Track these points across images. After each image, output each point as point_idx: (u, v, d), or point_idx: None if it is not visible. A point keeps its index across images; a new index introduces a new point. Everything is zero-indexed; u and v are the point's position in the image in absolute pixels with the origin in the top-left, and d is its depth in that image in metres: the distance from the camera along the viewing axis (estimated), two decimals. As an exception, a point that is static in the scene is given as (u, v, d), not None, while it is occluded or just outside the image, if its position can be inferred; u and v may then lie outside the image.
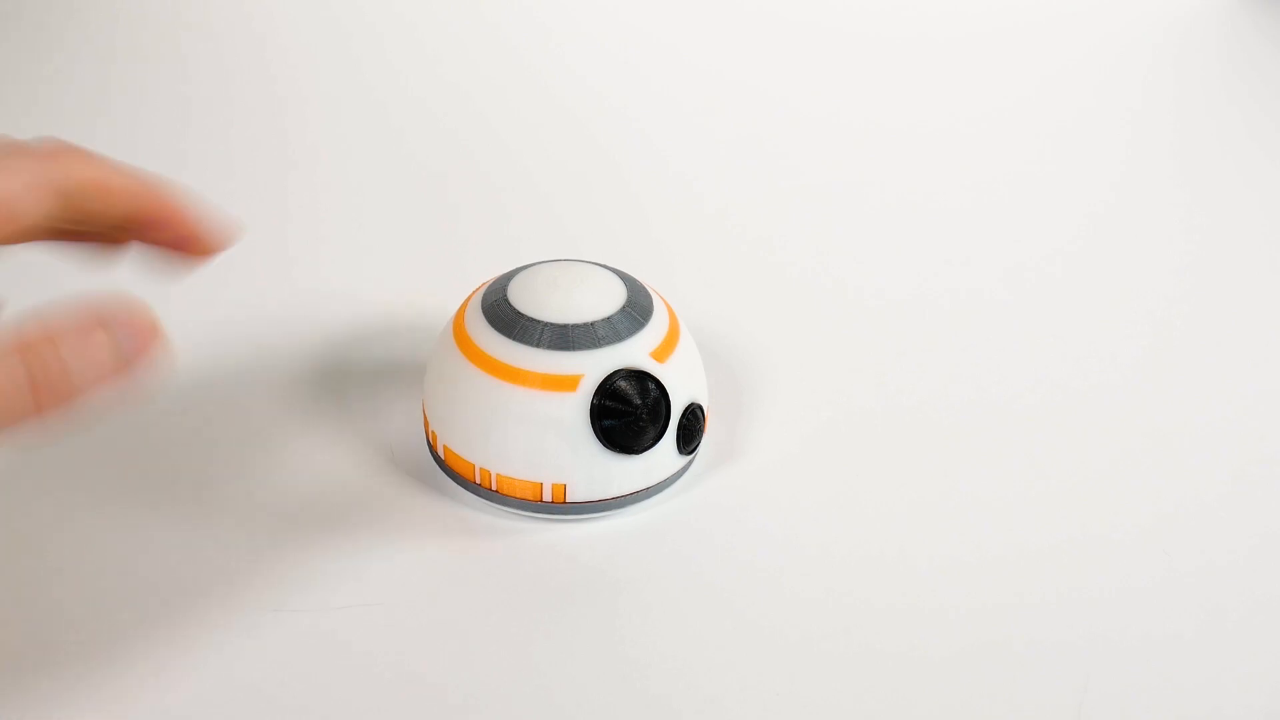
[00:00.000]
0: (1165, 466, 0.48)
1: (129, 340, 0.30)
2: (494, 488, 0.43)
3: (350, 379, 0.51)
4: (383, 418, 0.49)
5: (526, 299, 0.43)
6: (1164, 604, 0.42)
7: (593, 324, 0.43)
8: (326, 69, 0.81)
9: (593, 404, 0.42)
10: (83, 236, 0.35)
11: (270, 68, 0.81)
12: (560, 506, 0.43)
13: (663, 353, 0.43)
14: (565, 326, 0.42)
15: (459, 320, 0.45)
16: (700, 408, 0.44)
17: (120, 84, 0.78)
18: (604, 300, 0.44)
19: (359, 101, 0.77)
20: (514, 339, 0.42)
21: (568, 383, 0.42)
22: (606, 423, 0.42)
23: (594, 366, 0.42)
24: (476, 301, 0.45)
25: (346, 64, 0.82)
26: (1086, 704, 0.38)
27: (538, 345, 0.42)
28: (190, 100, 0.76)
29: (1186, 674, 0.39)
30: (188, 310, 0.56)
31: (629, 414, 0.42)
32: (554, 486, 0.43)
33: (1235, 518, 0.46)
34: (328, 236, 0.63)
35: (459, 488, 0.45)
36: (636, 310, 0.44)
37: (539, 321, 0.43)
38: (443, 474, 0.45)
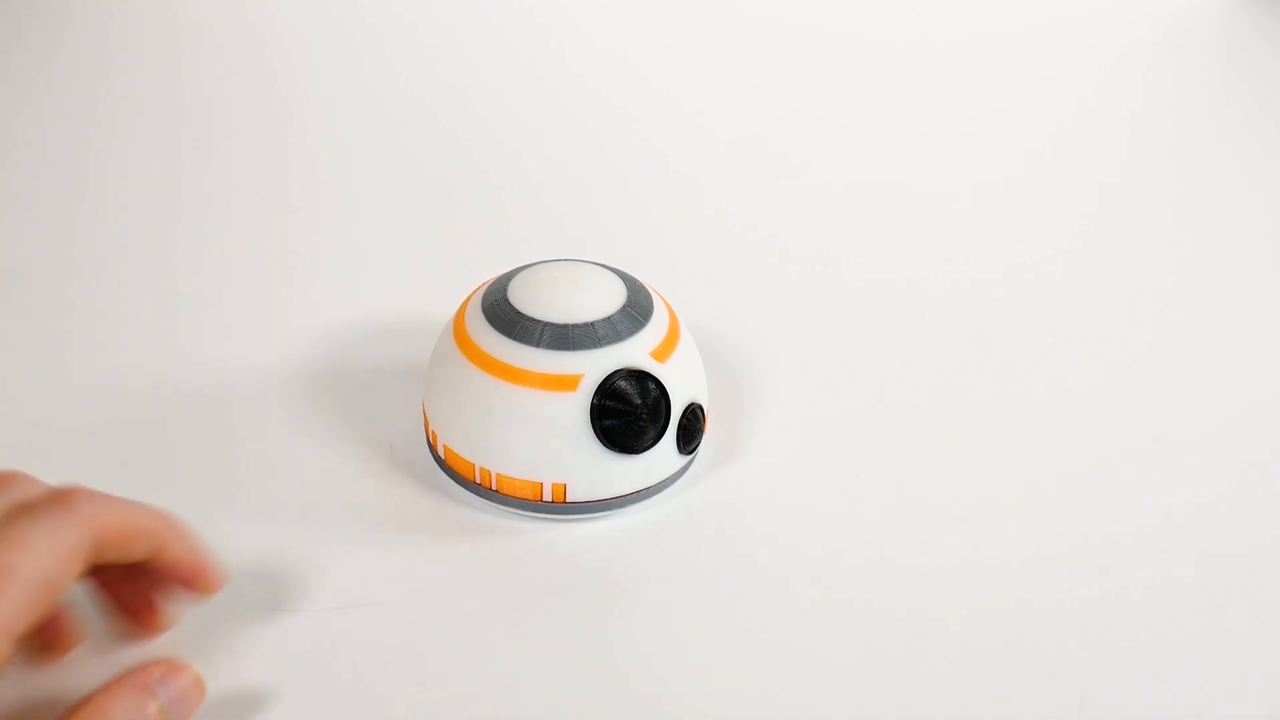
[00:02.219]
0: (1165, 466, 0.48)
1: (177, 706, 0.34)
2: (494, 488, 0.43)
3: (350, 379, 0.51)
4: (383, 418, 0.49)
5: (526, 299, 0.43)
6: (1164, 606, 0.42)
7: (593, 324, 0.43)
8: (326, 69, 0.81)
9: (593, 404, 0.42)
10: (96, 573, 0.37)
11: (270, 68, 0.81)
12: (560, 506, 0.43)
13: (663, 353, 0.43)
14: (565, 326, 0.42)
15: (459, 320, 0.45)
16: (700, 408, 0.44)
17: (119, 85, 0.78)
18: (604, 300, 0.44)
19: (359, 102, 0.77)
20: (514, 339, 0.42)
21: (568, 383, 0.42)
22: (607, 423, 0.42)
23: (594, 366, 0.42)
24: (476, 301, 0.45)
25: (346, 64, 0.82)
26: (1087, 706, 0.38)
27: (538, 345, 0.42)
28: (189, 101, 0.76)
29: (1187, 676, 0.39)
30: (189, 311, 0.56)
31: (629, 414, 0.42)
32: (554, 486, 0.43)
33: (1236, 518, 0.46)
34: (328, 237, 0.63)
35: (459, 488, 0.45)
36: (636, 310, 0.44)
37: (539, 321, 0.43)
38: (443, 474, 0.45)
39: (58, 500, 0.33)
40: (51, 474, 0.45)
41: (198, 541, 0.38)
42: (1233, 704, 0.38)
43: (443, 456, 0.45)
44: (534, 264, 0.46)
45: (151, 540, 0.36)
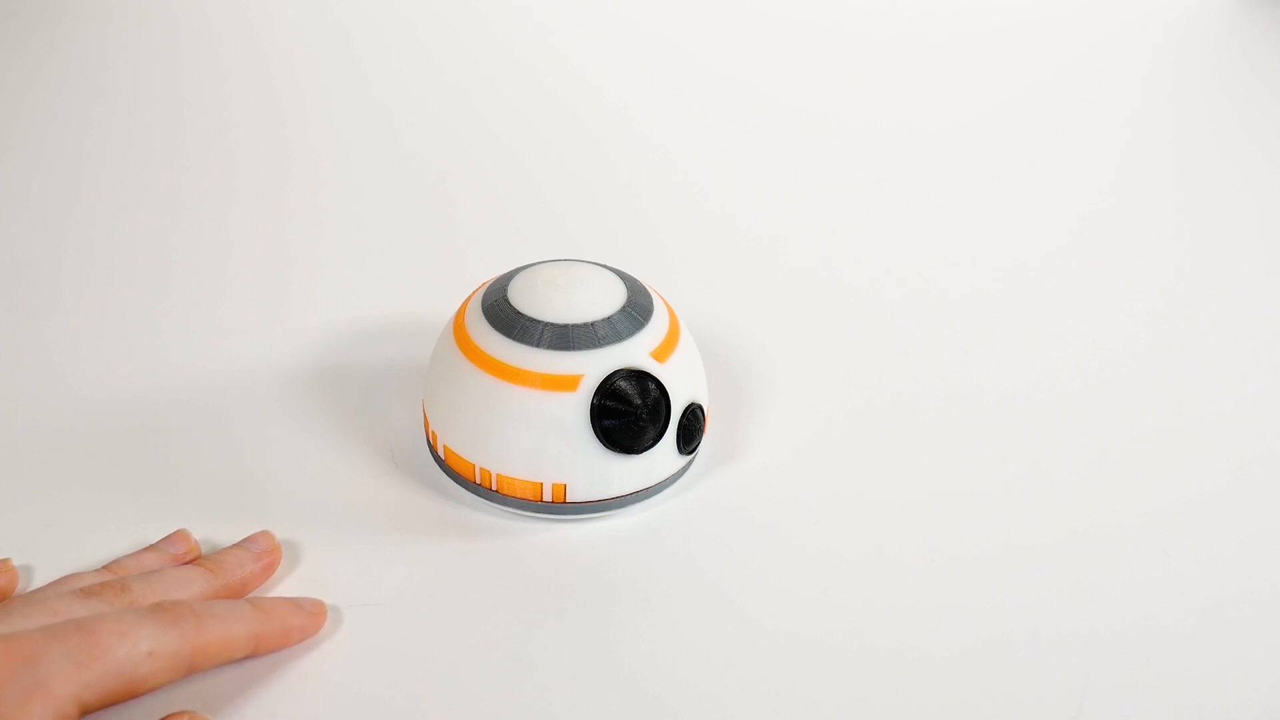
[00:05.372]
0: (1163, 463, 0.48)
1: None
2: (494, 488, 0.43)
3: (350, 379, 0.51)
4: (383, 418, 0.49)
5: (526, 299, 0.43)
6: (1164, 599, 0.42)
7: (593, 324, 0.43)
8: (326, 69, 0.81)
9: (593, 404, 0.42)
10: None
11: (270, 68, 0.81)
12: (560, 506, 0.43)
13: (663, 353, 0.43)
14: (565, 326, 0.42)
15: (459, 320, 0.45)
16: (700, 408, 0.44)
17: (118, 85, 0.78)
18: (604, 300, 0.44)
19: (359, 102, 0.77)
20: (514, 339, 0.42)
21: (568, 383, 0.42)
22: (607, 423, 0.42)
23: (594, 366, 0.42)
24: (476, 301, 0.45)
25: (346, 64, 0.82)
26: (1087, 700, 0.38)
27: (538, 345, 0.42)
28: (189, 101, 0.76)
29: (1186, 669, 0.39)
30: (189, 311, 0.56)
31: (629, 414, 0.42)
32: (554, 486, 0.43)
33: (1233, 514, 0.46)
34: (328, 237, 0.63)
35: (459, 488, 0.45)
36: (636, 310, 0.44)
37: (539, 321, 0.43)
38: (443, 474, 0.45)
39: (166, 611, 0.36)
40: (51, 474, 0.46)
41: (295, 624, 0.39)
42: (1232, 697, 0.38)
43: (443, 456, 0.45)
44: (534, 264, 0.46)
45: (249, 646, 0.38)
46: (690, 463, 0.46)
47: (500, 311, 0.43)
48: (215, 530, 0.43)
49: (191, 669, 0.36)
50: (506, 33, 0.87)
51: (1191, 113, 0.82)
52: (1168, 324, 0.58)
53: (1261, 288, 0.61)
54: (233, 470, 0.46)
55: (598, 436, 0.42)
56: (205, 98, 0.77)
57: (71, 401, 0.50)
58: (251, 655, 0.38)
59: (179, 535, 0.41)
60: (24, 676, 0.32)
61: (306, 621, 0.39)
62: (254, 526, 0.43)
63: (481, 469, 0.43)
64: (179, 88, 0.78)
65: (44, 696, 0.32)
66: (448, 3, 0.89)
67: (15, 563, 0.41)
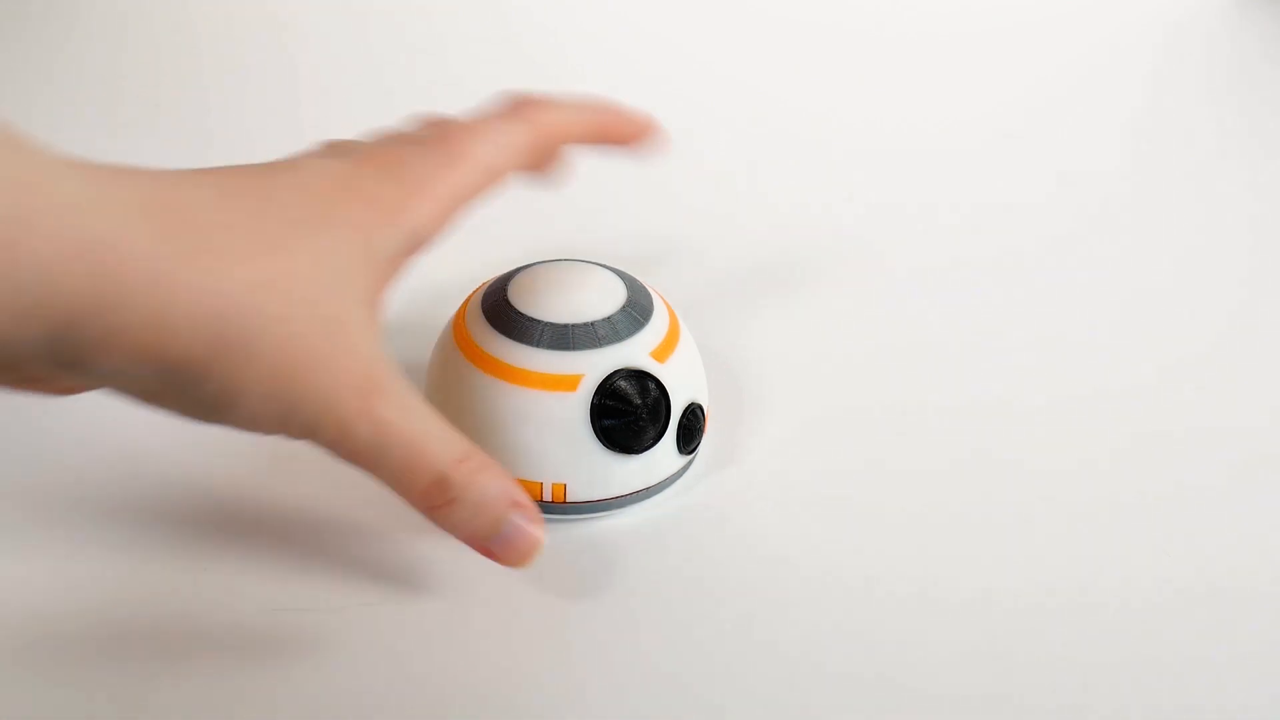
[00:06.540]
0: (1168, 469, 0.48)
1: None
2: (494, 488, 0.43)
3: (350, 379, 0.51)
4: (383, 418, 0.49)
5: (526, 299, 0.43)
6: (1164, 597, 0.42)
7: (593, 324, 0.43)
8: (327, 69, 0.81)
9: (593, 404, 0.42)
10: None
11: (269, 67, 0.81)
12: (560, 506, 0.43)
13: (663, 353, 0.43)
14: (565, 326, 0.42)
15: (459, 320, 0.45)
16: (700, 408, 0.44)
17: (119, 83, 0.78)
18: (604, 300, 0.44)
19: (359, 100, 0.77)
20: (514, 339, 0.42)
21: (568, 383, 0.42)
22: (606, 422, 0.42)
23: (594, 366, 0.42)
24: (476, 301, 0.45)
25: (347, 63, 0.82)
26: (1088, 698, 0.38)
27: (538, 345, 0.42)
28: (189, 100, 0.76)
29: (1188, 680, 0.39)
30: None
31: (629, 414, 0.42)
32: (554, 486, 0.43)
33: (1234, 514, 0.46)
34: (328, 236, 0.63)
35: (459, 488, 0.45)
36: (636, 310, 0.44)
37: (539, 321, 0.43)
38: (443, 474, 0.45)
39: (512, 108, 0.40)
40: (51, 472, 0.46)
41: (634, 113, 0.43)
42: (1235, 702, 0.38)
43: (443, 456, 0.45)
44: (534, 264, 0.46)
45: (594, 132, 0.42)
46: (690, 463, 0.46)
47: (500, 311, 0.43)
48: (213, 529, 0.43)
49: (538, 152, 0.40)
50: (507, 32, 0.87)
51: (1191, 113, 0.82)
52: (1166, 324, 0.58)
53: (1261, 287, 0.61)
54: (231, 468, 0.46)
55: (597, 436, 0.42)
56: (204, 97, 0.77)
57: (71, 401, 0.49)
58: (599, 136, 0.42)
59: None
60: (403, 178, 0.35)
61: (638, 116, 0.43)
62: (251, 526, 0.43)
63: (481, 469, 0.43)
64: (180, 87, 0.78)
65: (426, 196, 0.36)
66: (449, 2, 0.89)
67: (11, 567, 0.41)
